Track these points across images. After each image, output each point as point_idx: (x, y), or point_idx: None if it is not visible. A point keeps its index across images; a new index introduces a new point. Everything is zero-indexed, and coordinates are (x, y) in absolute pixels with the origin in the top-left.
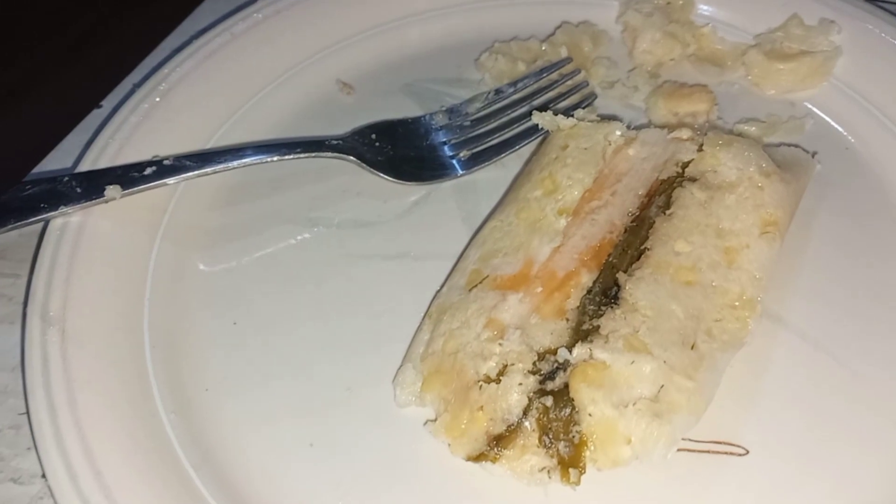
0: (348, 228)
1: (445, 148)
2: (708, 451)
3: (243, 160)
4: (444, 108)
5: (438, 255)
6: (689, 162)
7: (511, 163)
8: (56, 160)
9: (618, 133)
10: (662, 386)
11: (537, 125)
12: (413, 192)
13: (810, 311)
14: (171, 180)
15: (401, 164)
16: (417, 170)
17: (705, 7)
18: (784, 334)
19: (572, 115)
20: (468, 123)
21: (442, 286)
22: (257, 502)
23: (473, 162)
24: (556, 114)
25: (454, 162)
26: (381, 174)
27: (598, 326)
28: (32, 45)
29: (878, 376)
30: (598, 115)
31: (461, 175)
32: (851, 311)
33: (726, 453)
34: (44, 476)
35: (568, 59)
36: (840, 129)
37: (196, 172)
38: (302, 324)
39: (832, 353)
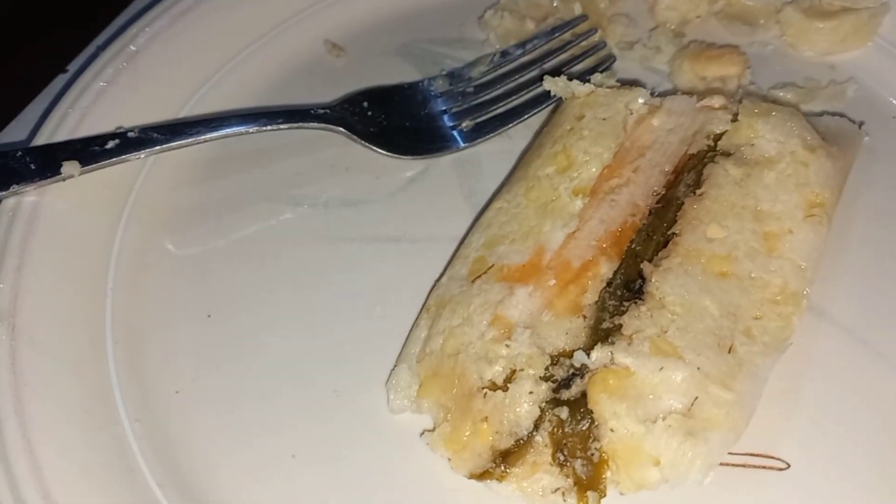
0: (336, 208)
1: (445, 117)
2: (743, 465)
3: (219, 132)
4: (444, 73)
5: (437, 240)
6: (721, 134)
7: (519, 134)
8: (16, 131)
9: (641, 101)
10: (696, 398)
11: (549, 92)
12: (409, 167)
13: (858, 304)
14: (136, 155)
15: (395, 136)
16: (414, 142)
17: None
18: (829, 330)
19: (588, 81)
20: (471, 90)
21: (441, 275)
22: None
23: (477, 133)
24: (570, 79)
25: (455, 133)
26: (374, 147)
27: (621, 325)
28: None
29: None
30: (617, 81)
31: (463, 148)
32: None
33: (764, 467)
34: None
35: (583, 17)
36: (887, 95)
37: (165, 146)
38: (284, 317)
39: (883, 352)
